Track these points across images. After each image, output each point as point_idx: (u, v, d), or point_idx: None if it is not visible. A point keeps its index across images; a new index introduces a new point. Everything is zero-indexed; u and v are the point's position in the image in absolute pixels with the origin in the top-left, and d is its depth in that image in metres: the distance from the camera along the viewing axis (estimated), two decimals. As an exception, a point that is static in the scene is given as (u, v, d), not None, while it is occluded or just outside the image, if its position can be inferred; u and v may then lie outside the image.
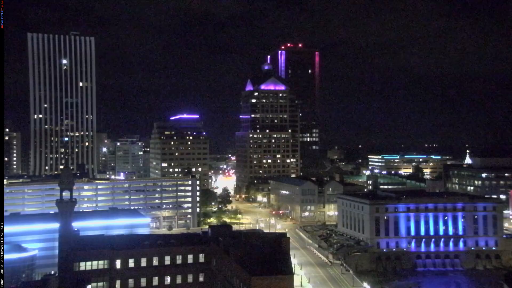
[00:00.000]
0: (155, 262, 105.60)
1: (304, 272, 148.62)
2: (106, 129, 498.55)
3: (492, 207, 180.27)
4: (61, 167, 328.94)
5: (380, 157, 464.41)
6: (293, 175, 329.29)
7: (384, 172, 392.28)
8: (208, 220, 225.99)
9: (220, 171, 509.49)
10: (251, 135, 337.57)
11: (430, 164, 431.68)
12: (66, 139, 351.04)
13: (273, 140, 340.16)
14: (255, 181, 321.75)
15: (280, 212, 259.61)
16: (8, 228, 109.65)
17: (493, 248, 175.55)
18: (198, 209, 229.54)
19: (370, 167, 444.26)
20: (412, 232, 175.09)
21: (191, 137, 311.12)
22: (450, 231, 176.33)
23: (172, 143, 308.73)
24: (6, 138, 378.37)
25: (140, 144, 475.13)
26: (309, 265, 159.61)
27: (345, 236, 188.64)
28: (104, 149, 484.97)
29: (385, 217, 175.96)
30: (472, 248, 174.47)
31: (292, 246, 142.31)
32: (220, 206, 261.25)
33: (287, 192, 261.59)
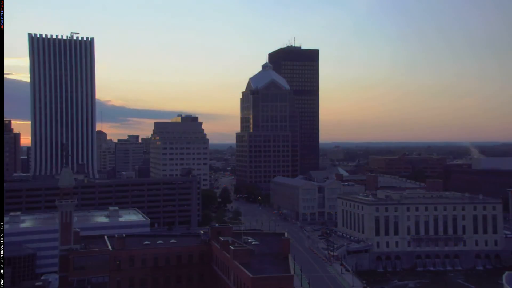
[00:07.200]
0: (155, 262, 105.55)
1: (304, 272, 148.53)
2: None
3: (492, 207, 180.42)
4: (61, 167, 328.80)
5: (380, 157, 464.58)
6: (292, 175, 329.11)
7: (383, 172, 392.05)
8: (208, 220, 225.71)
9: (220, 171, 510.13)
10: (251, 135, 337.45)
11: (430, 164, 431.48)
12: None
13: (273, 140, 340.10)
14: (255, 181, 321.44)
15: (280, 212, 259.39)
16: (8, 228, 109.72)
17: (493, 248, 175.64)
18: (198, 209, 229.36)
19: (369, 167, 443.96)
20: (412, 232, 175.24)
21: (191, 137, 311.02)
22: (450, 231, 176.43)
23: (172, 143, 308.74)
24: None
25: (140, 144, 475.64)
26: (309, 265, 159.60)
27: (345, 236, 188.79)
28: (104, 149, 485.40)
29: (385, 217, 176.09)
30: (472, 248, 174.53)
31: (292, 246, 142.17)
32: (220, 206, 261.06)
33: (287, 192, 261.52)
